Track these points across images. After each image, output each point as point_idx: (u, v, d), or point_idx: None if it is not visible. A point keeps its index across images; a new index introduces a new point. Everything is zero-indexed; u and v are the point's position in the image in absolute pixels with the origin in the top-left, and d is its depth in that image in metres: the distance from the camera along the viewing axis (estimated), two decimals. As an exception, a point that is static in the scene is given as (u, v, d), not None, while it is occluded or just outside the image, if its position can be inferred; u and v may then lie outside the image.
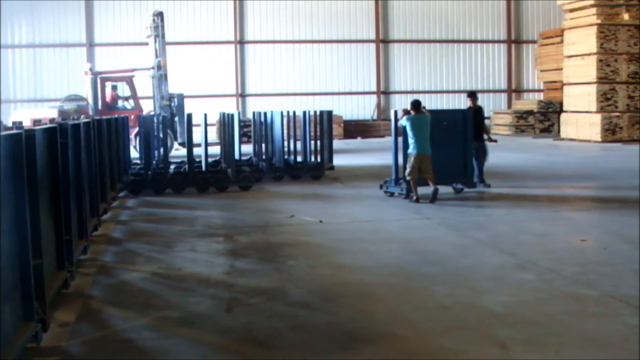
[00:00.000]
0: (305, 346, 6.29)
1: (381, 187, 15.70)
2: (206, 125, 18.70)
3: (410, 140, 14.48)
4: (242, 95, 39.65)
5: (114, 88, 27.45)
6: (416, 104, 14.73)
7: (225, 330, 6.72)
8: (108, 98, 26.86)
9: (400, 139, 15.09)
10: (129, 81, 27.44)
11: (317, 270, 9.04)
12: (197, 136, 18.39)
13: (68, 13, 37.77)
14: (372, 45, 40.78)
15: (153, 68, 25.91)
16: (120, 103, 27.44)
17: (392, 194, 15.25)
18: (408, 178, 14.55)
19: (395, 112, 15.42)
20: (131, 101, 27.51)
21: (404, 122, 14.64)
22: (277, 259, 9.62)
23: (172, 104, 25.98)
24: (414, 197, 14.39)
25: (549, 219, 12.47)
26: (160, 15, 25.90)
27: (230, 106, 37.29)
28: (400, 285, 8.17)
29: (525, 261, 9.16)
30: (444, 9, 41.37)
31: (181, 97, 26.63)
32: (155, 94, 26.21)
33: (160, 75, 25.81)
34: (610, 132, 31.08)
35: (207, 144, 18.24)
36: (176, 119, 25.45)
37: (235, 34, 39.30)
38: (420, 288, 8.02)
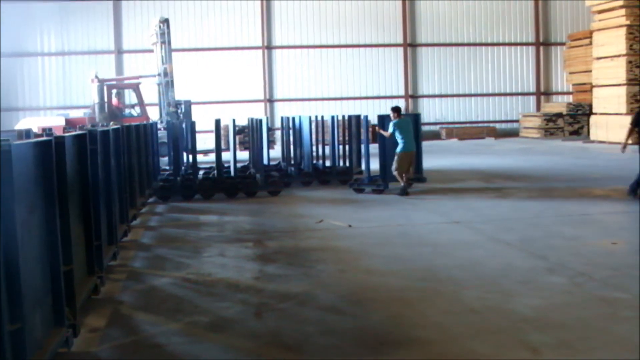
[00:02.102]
0: (335, 350, 6.27)
1: (351, 185, 17.58)
2: (235, 130, 18.77)
3: (400, 141, 16.26)
4: (270, 101, 39.70)
5: (118, 95, 27.47)
6: (398, 109, 16.74)
7: (255, 335, 6.72)
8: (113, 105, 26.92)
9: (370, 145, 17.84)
10: (136, 88, 27.48)
11: (346, 275, 9.03)
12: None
13: (97, 20, 38.04)
14: (400, 49, 40.69)
15: (159, 75, 25.95)
16: (126, 110, 27.44)
17: (362, 191, 17.05)
18: (395, 173, 16.41)
19: (377, 119, 17.82)
20: (137, 108, 27.51)
21: (391, 129, 16.44)
22: (306, 264, 9.62)
23: (179, 111, 26.00)
24: (404, 188, 16.33)
25: (579, 222, 12.37)
26: (166, 22, 25.95)
27: (258, 111, 37.36)
28: (429, 289, 8.13)
29: (555, 264, 9.09)
30: (471, 12, 41.21)
31: (188, 104, 26.68)
32: (161, 100, 26.26)
33: (167, 82, 25.84)
34: (641, 134, 30.77)
35: (235, 150, 18.29)
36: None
37: (262, 40, 39.37)
38: (450, 292, 7.98)
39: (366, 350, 6.26)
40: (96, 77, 26.70)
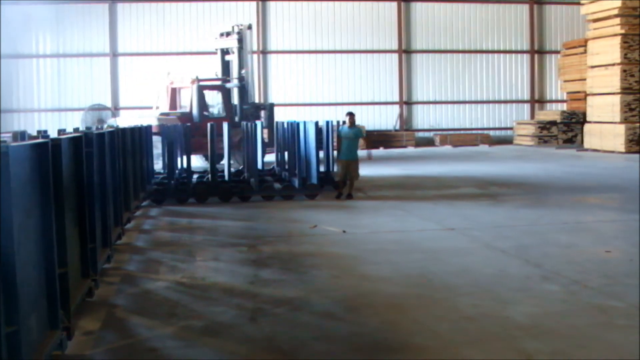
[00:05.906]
0: (329, 356, 6.27)
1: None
2: (223, 132, 18.77)
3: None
4: (265, 105, 39.69)
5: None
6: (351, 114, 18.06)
7: (250, 339, 6.72)
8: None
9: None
10: (222, 90, 27.58)
11: (341, 281, 9.02)
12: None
13: (93, 23, 38.01)
14: (395, 56, 40.72)
15: (242, 78, 26.28)
16: (214, 111, 27.52)
17: (291, 197, 17.24)
18: (339, 179, 17.34)
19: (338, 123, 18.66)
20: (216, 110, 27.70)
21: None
22: (300, 269, 9.62)
23: (258, 114, 26.76)
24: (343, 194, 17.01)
25: (574, 230, 12.40)
26: (249, 27, 26.54)
27: (253, 116, 37.30)
28: (424, 296, 8.14)
29: (550, 272, 9.10)
30: (466, 19, 41.29)
31: (271, 106, 27.48)
32: (239, 103, 26.51)
33: (247, 85, 26.26)
34: (635, 143, 30.81)
35: (229, 154, 18.29)
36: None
37: (258, 44, 39.27)
38: (445, 299, 7.98)
39: (361, 356, 6.26)
40: (197, 77, 26.72)
